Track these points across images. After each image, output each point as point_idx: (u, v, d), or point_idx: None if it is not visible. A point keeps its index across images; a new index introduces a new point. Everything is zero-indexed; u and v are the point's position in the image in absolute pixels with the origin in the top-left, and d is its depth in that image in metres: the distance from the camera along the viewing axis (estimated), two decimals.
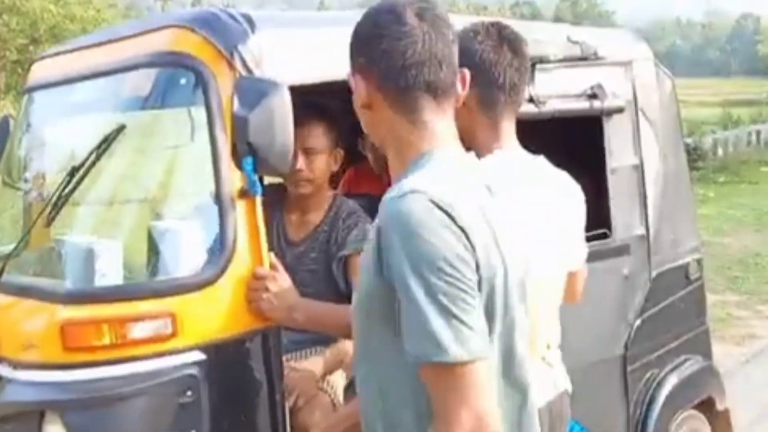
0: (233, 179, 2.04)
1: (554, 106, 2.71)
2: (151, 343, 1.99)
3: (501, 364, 1.46)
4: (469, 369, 1.32)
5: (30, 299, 2.17)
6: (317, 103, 2.44)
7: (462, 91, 1.55)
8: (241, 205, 2.06)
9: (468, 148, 1.99)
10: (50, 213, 2.21)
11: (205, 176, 2.08)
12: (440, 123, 1.49)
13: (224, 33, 2.10)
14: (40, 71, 2.69)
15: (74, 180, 2.17)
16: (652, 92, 3.21)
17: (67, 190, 2.18)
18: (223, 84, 2.06)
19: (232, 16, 2.13)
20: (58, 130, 2.53)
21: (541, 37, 2.73)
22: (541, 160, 2.05)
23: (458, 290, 1.32)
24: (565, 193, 2.06)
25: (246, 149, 1.95)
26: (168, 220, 2.15)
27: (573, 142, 2.78)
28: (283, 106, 1.95)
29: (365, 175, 3.41)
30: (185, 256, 2.10)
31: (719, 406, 3.52)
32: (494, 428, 1.34)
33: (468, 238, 1.35)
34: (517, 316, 1.47)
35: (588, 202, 2.14)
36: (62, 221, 2.25)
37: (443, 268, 1.32)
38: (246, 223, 2.07)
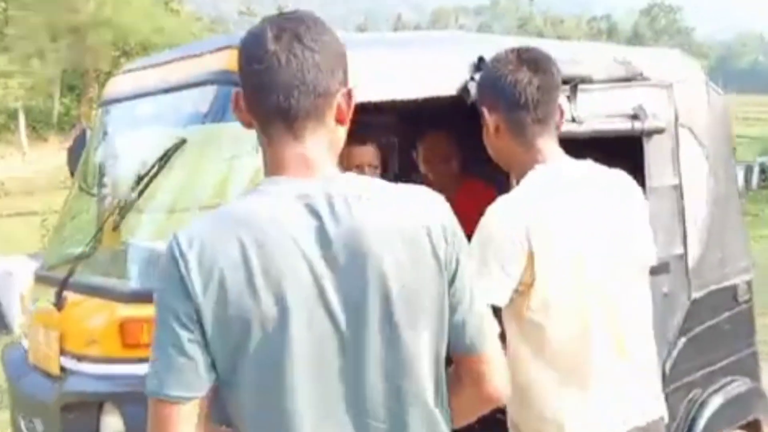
0: None
1: (595, 125, 2.78)
2: None
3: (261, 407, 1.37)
4: (158, 406, 1.35)
5: (96, 298, 2.35)
6: (365, 122, 2.57)
7: (347, 108, 1.45)
8: None
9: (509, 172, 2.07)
10: (117, 218, 2.40)
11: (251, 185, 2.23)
12: (290, 151, 1.40)
13: None
14: (114, 87, 2.91)
15: (139, 188, 2.35)
16: (701, 112, 3.23)
17: (132, 197, 2.36)
18: None
19: None
20: (128, 141, 2.72)
21: (585, 58, 2.80)
22: (586, 166, 2.07)
23: (165, 331, 1.34)
24: (609, 194, 2.05)
25: None
26: None
27: (615, 161, 2.83)
28: None
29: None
30: None
31: (766, 430, 3.51)
32: None
33: (184, 283, 1.32)
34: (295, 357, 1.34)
35: None
36: (129, 226, 2.43)
37: (159, 309, 1.35)
38: None
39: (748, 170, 21.33)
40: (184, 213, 2.37)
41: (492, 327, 1.55)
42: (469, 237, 1.68)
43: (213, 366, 1.35)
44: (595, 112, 2.81)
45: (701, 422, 3.15)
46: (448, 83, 2.50)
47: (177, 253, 1.33)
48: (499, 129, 2.03)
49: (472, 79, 2.54)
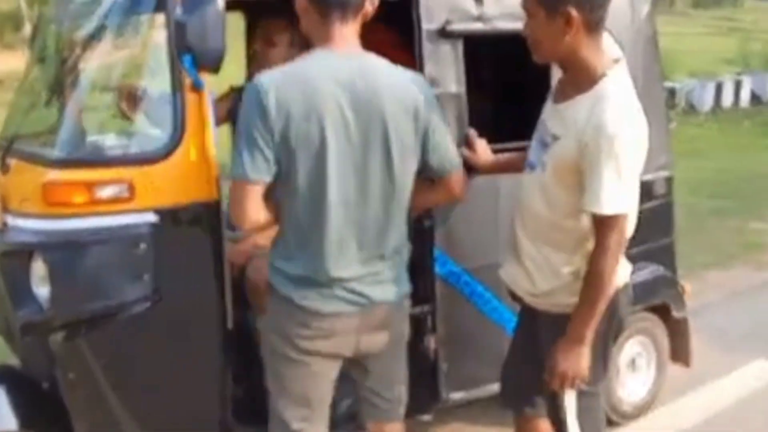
0: (185, 75, 2.47)
1: (499, 25, 2.98)
2: (113, 204, 2.48)
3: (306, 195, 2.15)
4: (239, 185, 2.13)
5: (31, 164, 2.69)
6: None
7: (371, 10, 2.20)
8: (191, 97, 2.49)
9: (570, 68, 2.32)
10: (49, 94, 2.71)
11: (165, 71, 2.51)
12: (338, 31, 2.16)
13: None
14: None
15: (65, 69, 2.65)
16: (624, 15, 3.39)
17: (60, 77, 2.66)
18: None
19: None
20: (68, 25, 2.99)
21: None
22: None
23: (249, 137, 2.10)
24: None
25: (185, 49, 2.36)
26: (135, 107, 2.61)
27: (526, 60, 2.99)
28: (216, 12, 2.34)
29: None
30: (145, 136, 2.57)
31: (676, 314, 3.78)
32: (244, 225, 2.20)
33: (265, 109, 2.06)
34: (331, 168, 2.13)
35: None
36: (60, 102, 2.74)
37: (244, 124, 2.11)
38: (194, 112, 2.50)
39: None
40: (103, 92, 2.67)
41: (459, 160, 2.43)
42: None
43: (277, 162, 2.11)
44: (501, 12, 3.00)
45: None
46: None
47: (261, 90, 2.08)
48: (579, 28, 2.20)
49: None
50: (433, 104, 2.29)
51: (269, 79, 2.10)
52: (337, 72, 2.12)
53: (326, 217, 2.17)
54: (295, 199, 2.17)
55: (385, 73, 2.20)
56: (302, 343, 2.25)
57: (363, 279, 2.26)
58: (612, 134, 2.16)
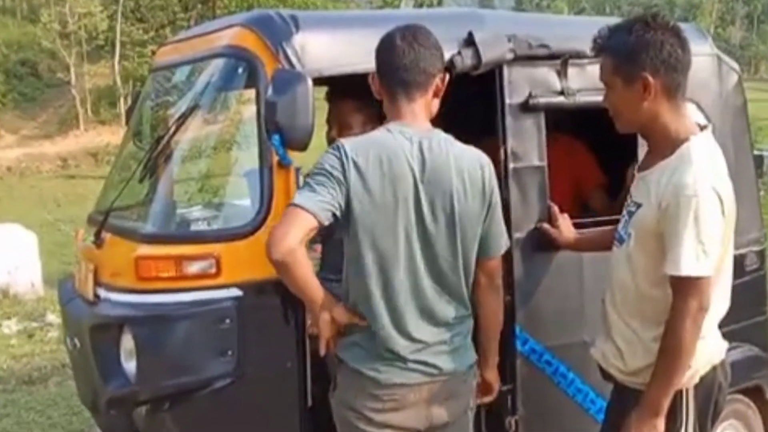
0: (273, 152, 2.52)
1: (585, 98, 2.95)
2: (200, 279, 2.53)
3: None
4: (292, 208, 2.12)
5: (124, 238, 2.77)
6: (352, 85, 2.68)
7: (441, 86, 2.30)
8: (279, 174, 2.54)
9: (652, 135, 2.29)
10: (143, 172, 2.80)
11: (254, 148, 2.58)
12: (405, 107, 2.26)
13: (273, 31, 2.57)
14: (158, 57, 3.32)
15: (159, 148, 2.74)
16: (709, 86, 3.33)
17: (153, 156, 2.76)
18: (270, 73, 2.52)
19: (281, 17, 2.59)
20: (163, 104, 3.12)
21: (579, 33, 2.95)
22: None
23: (319, 179, 2.14)
24: None
25: (274, 128, 2.42)
26: (222, 181, 2.67)
27: (610, 134, 2.95)
28: (305, 93, 2.39)
29: None
30: (232, 212, 2.62)
31: None
32: (278, 247, 2.08)
33: (344, 166, 2.14)
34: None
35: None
36: (152, 179, 2.83)
37: (318, 171, 2.16)
38: (282, 188, 2.55)
39: None
40: (193, 167, 2.75)
41: (504, 248, 2.43)
42: None
43: (335, 216, 2.14)
44: (586, 85, 2.98)
45: None
46: None
47: (342, 152, 2.16)
48: (657, 93, 2.20)
49: (458, 53, 2.77)
50: (496, 184, 2.34)
51: (351, 143, 2.19)
52: (409, 144, 2.21)
53: (396, 287, 2.21)
54: (365, 269, 2.20)
55: (454, 149, 2.26)
56: (374, 416, 2.26)
57: (431, 349, 2.28)
58: (691, 195, 2.11)
